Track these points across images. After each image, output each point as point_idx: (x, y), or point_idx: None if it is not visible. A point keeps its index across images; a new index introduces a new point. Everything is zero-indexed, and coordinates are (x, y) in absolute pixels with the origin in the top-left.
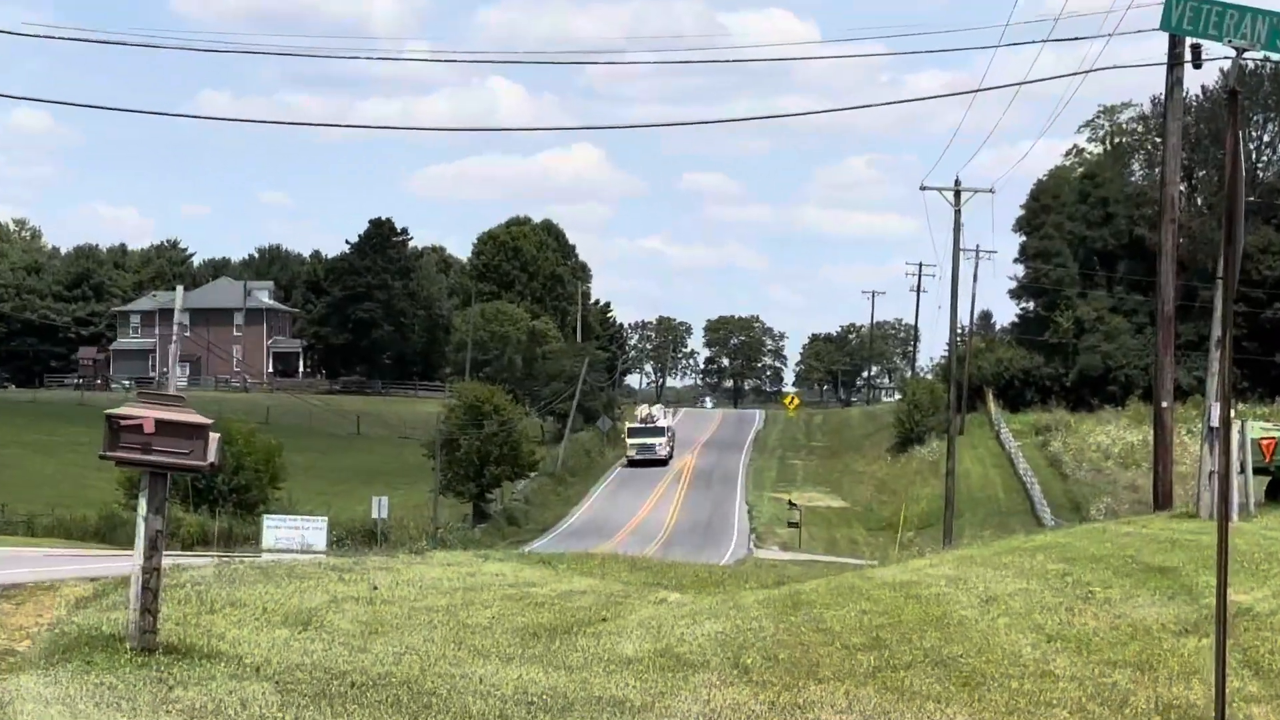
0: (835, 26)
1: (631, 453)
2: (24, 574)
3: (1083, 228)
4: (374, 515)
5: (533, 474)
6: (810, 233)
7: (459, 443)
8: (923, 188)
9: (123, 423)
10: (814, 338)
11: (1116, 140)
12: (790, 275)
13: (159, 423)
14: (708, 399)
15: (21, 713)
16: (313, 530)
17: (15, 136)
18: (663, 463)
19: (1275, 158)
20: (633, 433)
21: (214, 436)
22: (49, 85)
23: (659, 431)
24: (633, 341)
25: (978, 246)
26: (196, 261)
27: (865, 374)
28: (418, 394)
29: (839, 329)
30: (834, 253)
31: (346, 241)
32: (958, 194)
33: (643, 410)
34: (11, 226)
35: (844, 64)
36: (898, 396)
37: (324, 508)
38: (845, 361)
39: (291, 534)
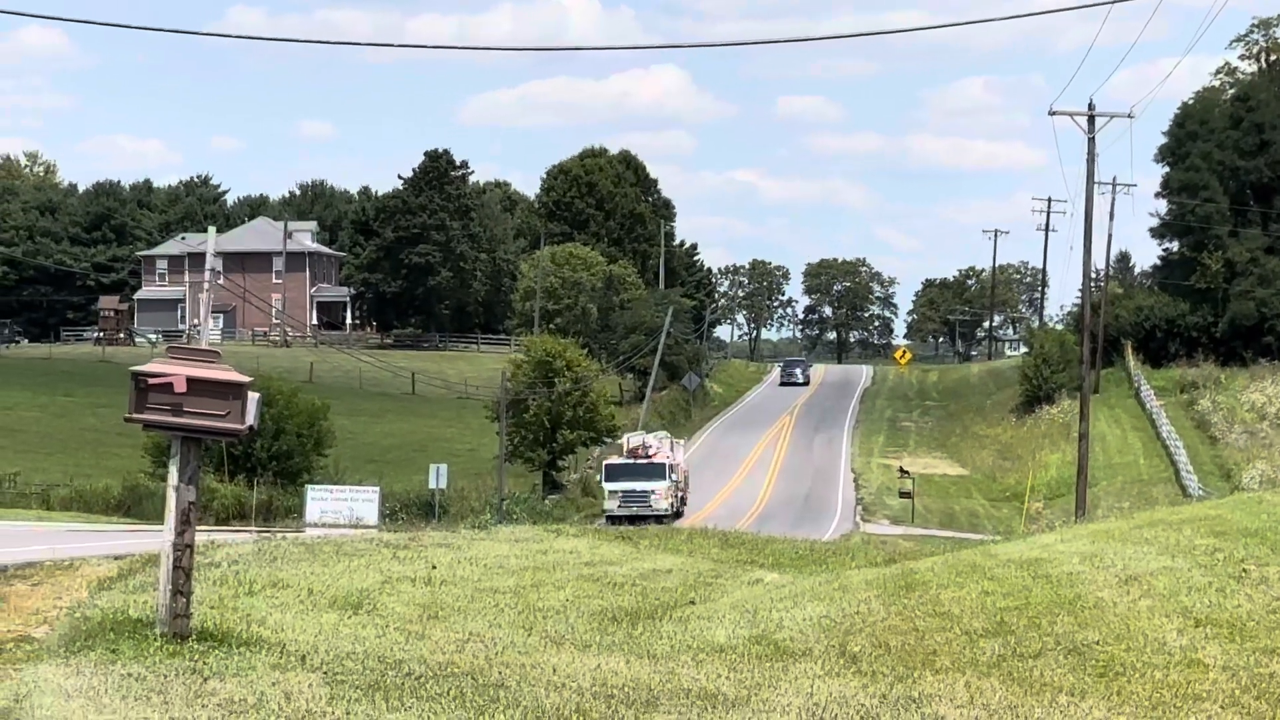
0: None
1: (610, 504)
2: (40, 551)
3: (1234, 157)
4: (431, 485)
5: (610, 439)
6: (923, 165)
7: (527, 404)
8: (1051, 112)
9: (151, 381)
10: (928, 284)
11: (1273, 58)
12: (901, 213)
13: (192, 381)
14: (797, 368)
15: (40, 706)
16: (363, 502)
17: (25, 60)
18: (660, 519)
19: None
20: (613, 473)
21: (253, 397)
22: (62, 0)
23: (656, 471)
24: (723, 288)
25: (1114, 179)
26: (230, 200)
27: (986, 325)
28: (480, 349)
29: (956, 274)
30: (950, 187)
31: (399, 177)
32: (1091, 120)
33: (633, 439)
34: (23, 161)
35: None
36: (1023, 350)
37: (375, 477)
38: (963, 311)
39: (339, 507)
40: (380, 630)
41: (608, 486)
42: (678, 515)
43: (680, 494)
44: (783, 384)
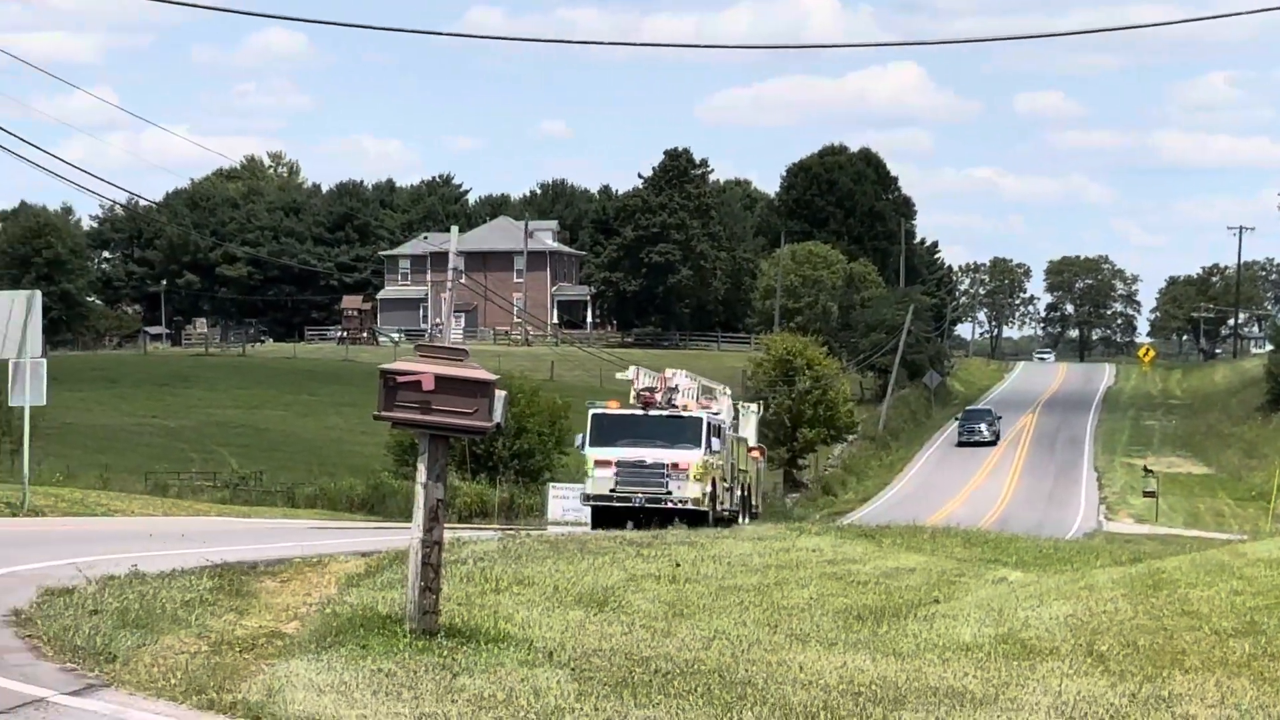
0: None
1: (597, 484)
2: (289, 548)
3: None
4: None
5: (851, 437)
6: (1165, 161)
7: (767, 401)
8: None
9: (400, 380)
10: (1171, 281)
11: None
12: (1143, 209)
13: (440, 379)
14: (1049, 352)
15: (293, 701)
16: None
17: (267, 61)
18: (687, 518)
19: None
20: (605, 430)
21: (500, 395)
22: (302, 2)
23: (683, 433)
24: (963, 286)
25: None
26: (471, 199)
27: (1231, 323)
28: (720, 347)
29: (1200, 270)
30: (1194, 183)
31: (639, 176)
32: None
33: (644, 377)
34: (267, 161)
35: None
36: (1269, 348)
37: None
38: (1207, 308)
39: (576, 503)
40: (626, 627)
41: (593, 454)
42: (730, 522)
43: (742, 489)
44: (961, 444)
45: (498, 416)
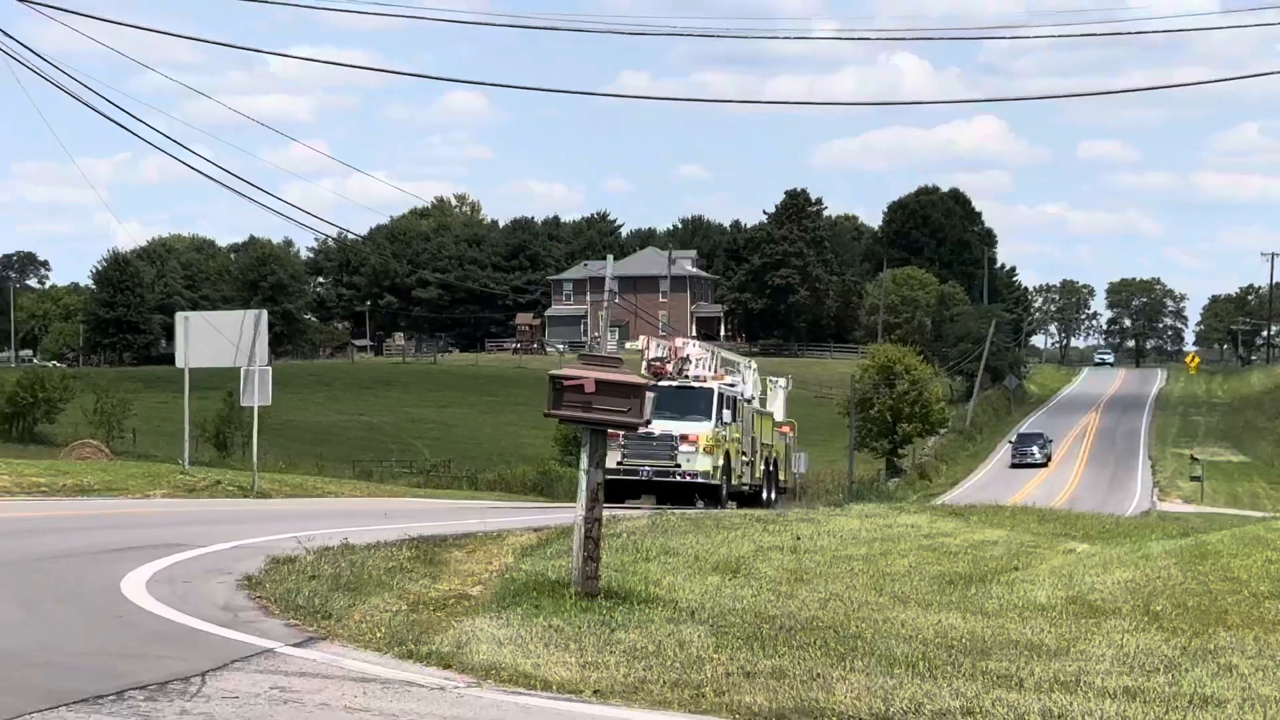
0: None
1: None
2: (473, 524)
3: None
4: (793, 470)
5: (942, 431)
6: (1206, 198)
7: (872, 401)
8: None
9: (566, 383)
10: (1214, 299)
11: None
12: (1189, 239)
13: (599, 383)
14: (1109, 353)
15: (478, 653)
16: None
17: (452, 118)
18: (696, 491)
19: None
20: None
21: (648, 396)
22: (481, 69)
23: (694, 404)
24: (1037, 304)
25: None
26: (624, 232)
27: (1264, 333)
28: (831, 355)
29: (1238, 290)
30: (1231, 216)
31: (764, 212)
32: None
33: (654, 346)
34: (453, 202)
35: (1238, 34)
36: None
37: None
38: (1245, 322)
39: None
40: (755, 590)
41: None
42: (753, 498)
43: (766, 464)
44: (1014, 465)
45: (647, 413)
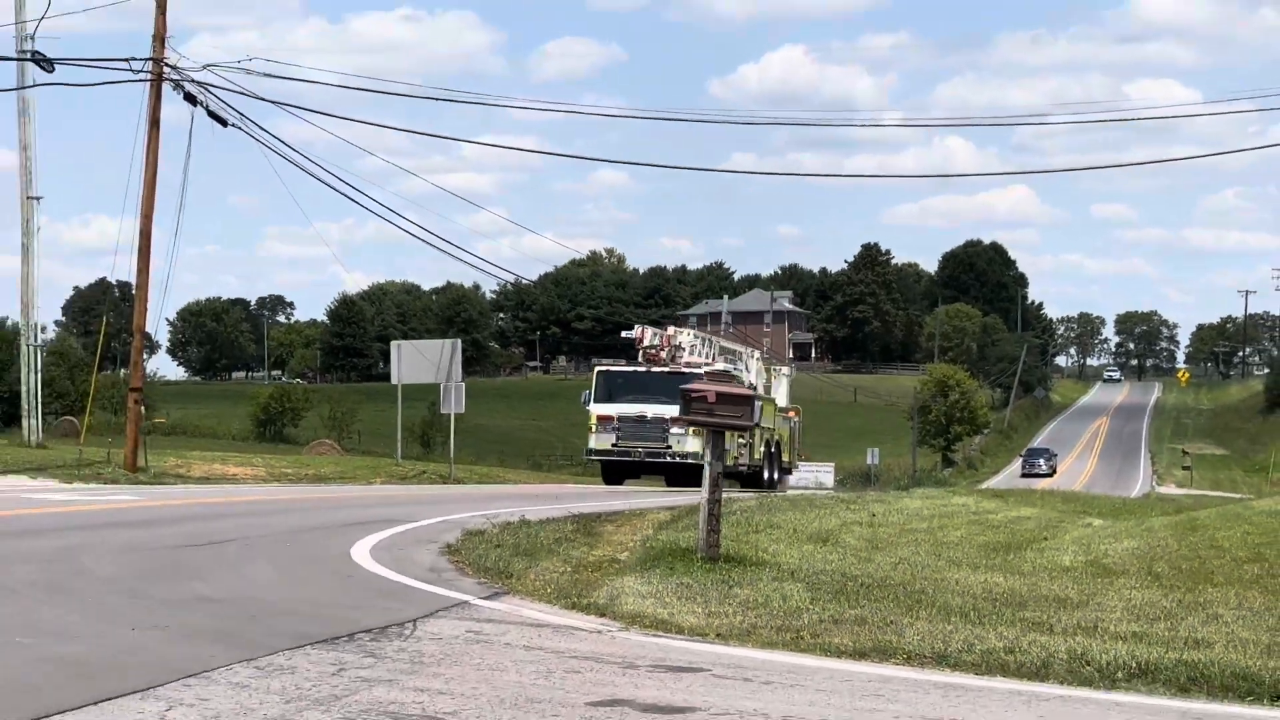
0: (1215, 89)
1: (600, 440)
2: (619, 505)
3: None
4: (868, 462)
5: (985, 431)
6: (1195, 247)
7: (930, 408)
8: None
9: (693, 395)
10: (1200, 327)
11: None
12: (1180, 279)
13: (718, 395)
14: (1115, 370)
15: (626, 604)
16: (823, 473)
17: (602, 190)
18: (686, 472)
19: None
20: (609, 387)
21: (757, 404)
22: (625, 151)
23: (688, 383)
24: (1059, 331)
25: None
26: (736, 277)
27: (1240, 354)
28: (898, 372)
29: (1219, 319)
30: (1215, 262)
31: (845, 260)
32: None
33: (649, 333)
34: (603, 254)
35: (1219, 119)
36: (1266, 370)
37: (831, 456)
38: (1225, 344)
39: (808, 476)
40: (841, 556)
41: (596, 410)
42: (753, 479)
43: (767, 446)
44: (1024, 475)
45: (755, 417)
